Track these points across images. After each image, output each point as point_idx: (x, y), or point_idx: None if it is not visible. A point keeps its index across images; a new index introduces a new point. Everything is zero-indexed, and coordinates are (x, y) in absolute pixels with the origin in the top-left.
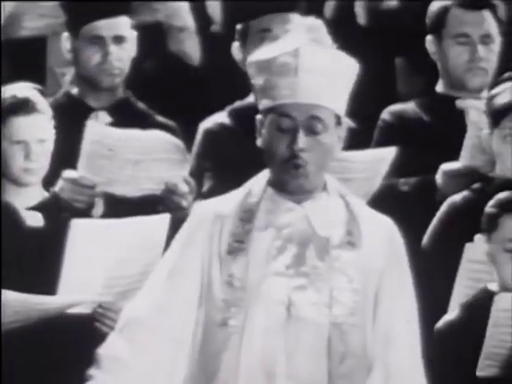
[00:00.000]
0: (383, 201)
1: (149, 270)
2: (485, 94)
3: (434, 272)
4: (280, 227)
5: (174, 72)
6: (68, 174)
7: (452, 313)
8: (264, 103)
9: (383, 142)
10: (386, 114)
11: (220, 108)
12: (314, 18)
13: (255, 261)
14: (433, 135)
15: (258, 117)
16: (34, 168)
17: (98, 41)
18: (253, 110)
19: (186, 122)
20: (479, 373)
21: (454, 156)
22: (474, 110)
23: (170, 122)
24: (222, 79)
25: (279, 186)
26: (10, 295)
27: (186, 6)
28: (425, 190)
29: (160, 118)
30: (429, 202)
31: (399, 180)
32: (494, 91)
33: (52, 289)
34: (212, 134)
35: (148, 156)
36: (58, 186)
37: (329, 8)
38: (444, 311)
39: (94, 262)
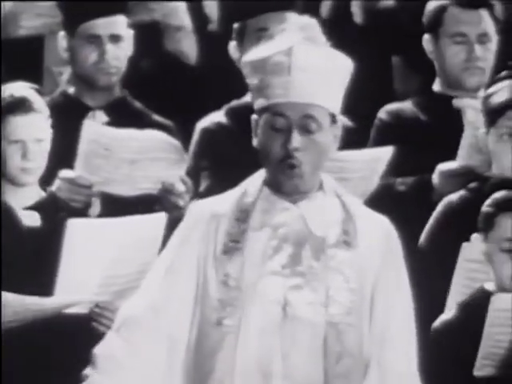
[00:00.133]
0: (380, 200)
1: (145, 269)
2: (482, 93)
3: (430, 271)
4: (276, 227)
5: (170, 71)
6: (65, 173)
7: (449, 312)
8: (259, 103)
9: (380, 141)
10: (382, 113)
11: (217, 107)
12: (308, 17)
13: (251, 260)
14: (430, 134)
15: (254, 116)
16: (31, 167)
17: (95, 40)
18: (250, 109)
19: (182, 122)
20: (476, 372)
21: (451, 155)
22: (471, 110)
23: (167, 122)
24: (219, 78)
25: (275, 186)
26: (6, 296)
27: (182, 5)
28: (421, 190)
29: (157, 118)
30: (426, 202)
31: (396, 180)
32: (491, 90)
33: (49, 288)
34: (209, 133)
35: (145, 155)
36: (55, 185)
37: (325, 7)
38: (441, 311)
39: (91, 262)
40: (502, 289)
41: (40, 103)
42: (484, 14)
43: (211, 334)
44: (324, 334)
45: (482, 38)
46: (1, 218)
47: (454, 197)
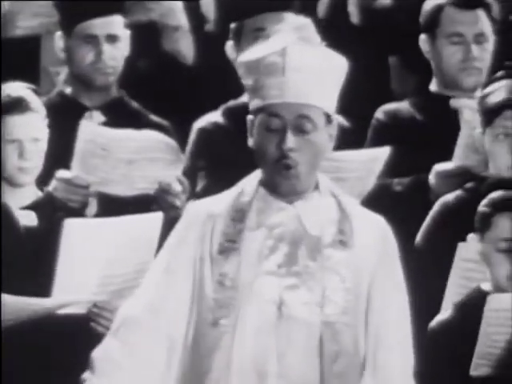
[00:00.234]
0: (377, 200)
1: (143, 269)
2: (479, 93)
3: (427, 271)
4: (272, 227)
5: (167, 71)
6: (62, 173)
7: (445, 312)
8: (254, 103)
9: (377, 141)
10: (379, 113)
11: (214, 107)
12: (303, 17)
13: (247, 260)
14: (427, 134)
15: (249, 117)
16: (28, 167)
17: (92, 40)
18: (247, 109)
19: (179, 122)
20: (473, 372)
21: (448, 155)
22: (468, 110)
23: (164, 122)
24: (216, 78)
25: (271, 186)
26: (3, 297)
27: (179, 5)
28: (418, 190)
29: (154, 118)
30: (422, 202)
31: (393, 180)
32: (487, 90)
33: (47, 288)
34: (206, 133)
35: (142, 155)
36: (52, 185)
37: (322, 7)
38: (437, 310)
39: (89, 261)
40: (498, 289)
41: (37, 103)
42: (481, 14)
43: (208, 334)
44: (320, 333)
45: (479, 38)
46: (0, 219)
47: (450, 197)
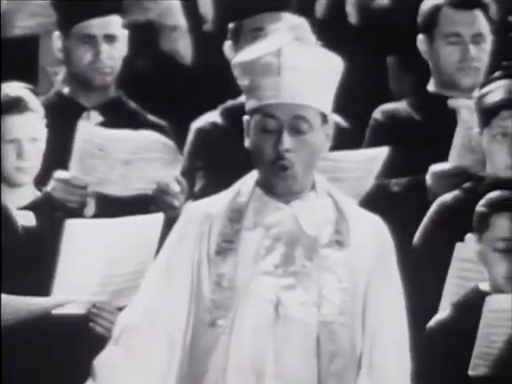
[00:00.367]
0: (374, 201)
1: (143, 269)
2: (476, 93)
3: (424, 271)
4: (268, 227)
5: (165, 71)
6: (60, 174)
7: (443, 312)
8: (250, 104)
9: (375, 141)
10: (377, 114)
11: (212, 107)
12: (297, 16)
13: (244, 260)
14: (424, 134)
15: (245, 118)
16: (26, 167)
17: (90, 40)
18: (245, 109)
19: (177, 122)
20: (471, 372)
21: (446, 155)
22: (466, 110)
23: (162, 122)
24: (214, 78)
25: (267, 187)
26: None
27: (177, 4)
28: (415, 191)
29: (151, 118)
30: (420, 202)
31: (390, 180)
32: (485, 90)
33: (45, 288)
34: (204, 134)
35: (139, 156)
36: (50, 186)
37: (320, 7)
38: (435, 310)
39: (89, 262)
40: (496, 289)
41: (35, 103)
42: (478, 14)
43: (205, 335)
44: (317, 333)
45: (477, 39)
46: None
47: (448, 197)
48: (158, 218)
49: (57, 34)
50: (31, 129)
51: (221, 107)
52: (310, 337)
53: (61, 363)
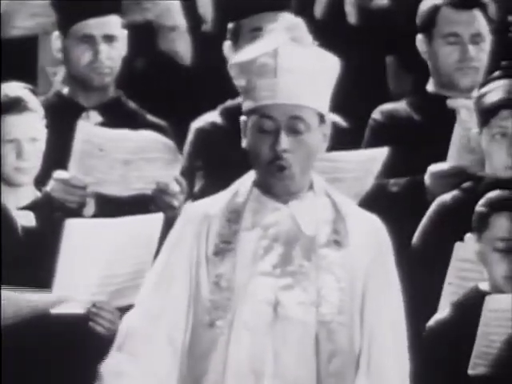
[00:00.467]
0: (373, 201)
1: (143, 269)
2: (475, 93)
3: (423, 271)
4: (266, 227)
5: (164, 71)
6: (59, 174)
7: (443, 312)
8: (246, 105)
9: (374, 142)
10: (376, 114)
11: (211, 107)
12: (294, 16)
13: (242, 261)
14: (424, 134)
15: (242, 118)
16: (25, 167)
17: (89, 40)
18: None
19: (177, 122)
20: (470, 371)
21: (445, 156)
22: (465, 110)
23: (161, 122)
24: (214, 78)
25: (265, 187)
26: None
27: (177, 4)
28: (414, 191)
29: (151, 118)
30: (418, 202)
31: (389, 180)
32: (484, 90)
33: (45, 288)
34: (203, 134)
35: (139, 156)
36: (50, 186)
37: (319, 7)
38: (434, 310)
39: (89, 261)
40: (495, 288)
41: (34, 103)
42: (477, 14)
43: (204, 336)
44: (315, 333)
45: (476, 38)
46: (0, 219)
47: (447, 196)
48: (157, 218)
49: (56, 34)
50: (31, 129)
51: (220, 107)
52: (309, 336)
53: (61, 363)
